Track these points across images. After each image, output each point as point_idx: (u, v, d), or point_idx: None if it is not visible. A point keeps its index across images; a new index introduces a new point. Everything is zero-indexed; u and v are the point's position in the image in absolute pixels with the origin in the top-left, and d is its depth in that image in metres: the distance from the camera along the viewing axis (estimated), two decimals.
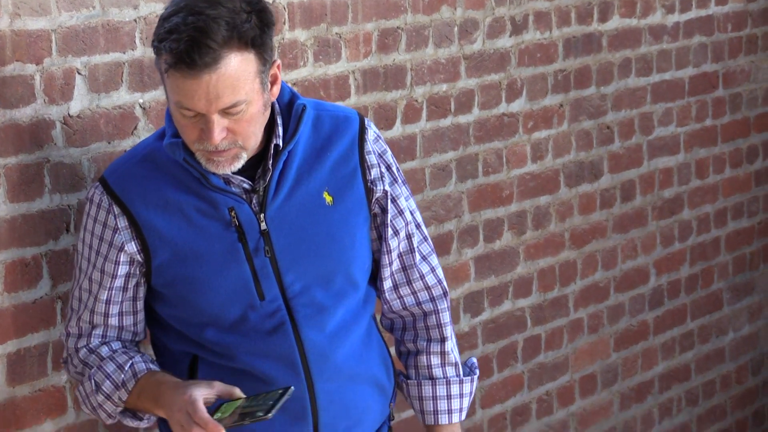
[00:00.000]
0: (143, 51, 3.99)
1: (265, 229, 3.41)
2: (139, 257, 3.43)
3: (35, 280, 3.82)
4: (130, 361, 3.45)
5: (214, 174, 3.34)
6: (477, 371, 3.79)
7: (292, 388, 3.26)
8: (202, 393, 3.25)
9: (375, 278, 3.67)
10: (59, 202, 3.87)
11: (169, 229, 3.39)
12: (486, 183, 5.28)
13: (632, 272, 6.01)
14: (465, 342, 5.19)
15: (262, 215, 3.40)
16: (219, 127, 3.23)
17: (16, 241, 3.76)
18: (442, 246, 5.09)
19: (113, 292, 3.48)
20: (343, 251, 3.50)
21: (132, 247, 3.42)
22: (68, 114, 3.85)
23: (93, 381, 3.45)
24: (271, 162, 3.39)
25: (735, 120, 6.63)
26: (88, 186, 3.84)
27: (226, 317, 3.43)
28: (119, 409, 3.46)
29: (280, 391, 3.21)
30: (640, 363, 6.06)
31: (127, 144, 4.00)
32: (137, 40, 3.99)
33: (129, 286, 3.49)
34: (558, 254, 5.63)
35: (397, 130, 4.89)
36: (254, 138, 3.33)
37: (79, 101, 3.85)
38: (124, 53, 3.97)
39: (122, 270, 3.45)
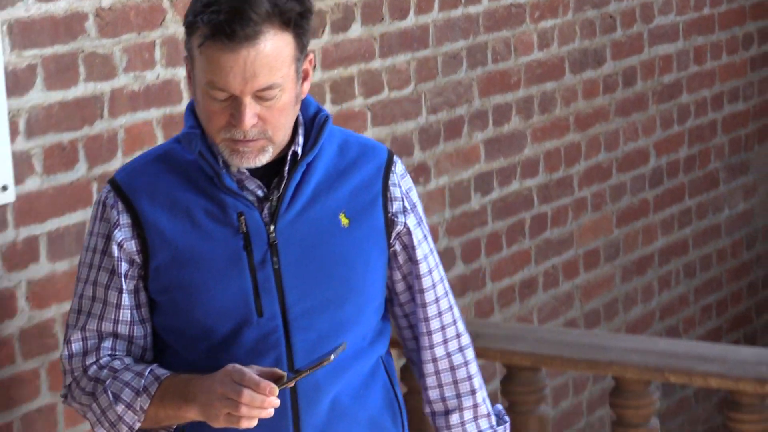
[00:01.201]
0: None
1: (274, 241, 2.95)
2: (137, 258, 2.99)
3: (72, 163, 3.85)
4: (149, 368, 2.97)
5: (228, 175, 2.94)
6: (507, 419, 3.33)
7: (345, 343, 2.93)
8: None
9: (388, 315, 3.22)
10: (93, 89, 3.89)
11: (172, 229, 2.97)
12: (495, 70, 5.28)
13: (633, 153, 6.02)
14: (476, 219, 5.22)
15: (272, 226, 2.95)
16: (251, 111, 2.85)
17: (53, 127, 3.78)
18: (454, 129, 5.11)
19: (123, 295, 3.01)
20: (354, 277, 3.03)
21: (131, 246, 2.98)
22: (100, 6, 3.86)
23: (110, 393, 2.95)
24: (287, 170, 2.97)
25: (732, 9, 6.61)
26: (119, 75, 3.84)
27: (220, 331, 2.96)
28: (141, 418, 2.93)
29: (328, 353, 2.86)
30: (640, 239, 6.08)
31: (156, 35, 4.02)
32: None
33: (132, 289, 3.03)
34: (563, 137, 5.63)
35: (411, 20, 4.89)
36: (283, 131, 2.93)
37: None
38: None
39: (123, 268, 3.00)
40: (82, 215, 3.90)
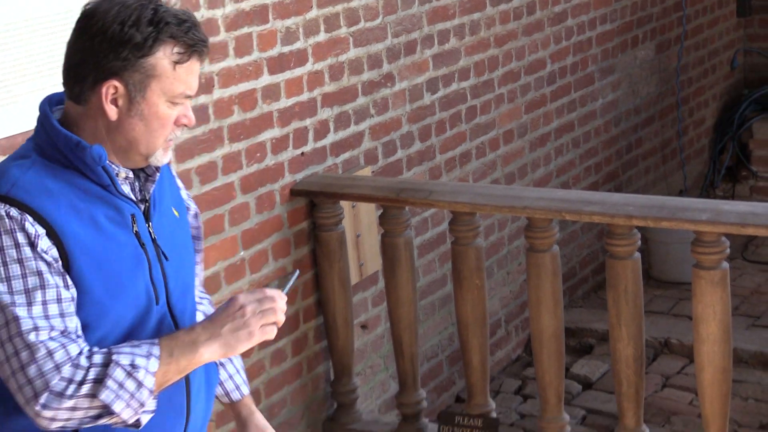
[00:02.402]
0: None
1: (154, 237, 2.37)
2: (58, 265, 2.22)
3: None
4: (138, 340, 2.29)
5: (119, 182, 2.31)
6: None
7: (297, 271, 2.56)
8: None
9: None
10: None
11: (84, 235, 2.23)
12: (438, 5, 5.19)
13: (535, 62, 5.95)
14: (428, 111, 5.16)
15: (149, 224, 2.37)
16: None
17: None
18: (410, 48, 5.03)
19: (59, 290, 2.20)
20: (191, 260, 2.55)
21: (54, 254, 2.20)
22: None
23: (120, 367, 2.18)
24: (153, 172, 2.39)
25: None
26: None
27: (129, 321, 2.31)
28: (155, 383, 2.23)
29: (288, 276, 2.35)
30: (542, 121, 6.03)
31: None
32: None
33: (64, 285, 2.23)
34: (486, 51, 5.55)
35: None
36: None
37: None
38: None
39: (55, 267, 2.21)
40: None
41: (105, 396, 2.16)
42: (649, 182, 7.13)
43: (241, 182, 4.21)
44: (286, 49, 4.36)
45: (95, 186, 2.26)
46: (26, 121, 3.31)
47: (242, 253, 4.23)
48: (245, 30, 4.16)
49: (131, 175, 2.35)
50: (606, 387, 5.46)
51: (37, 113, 2.32)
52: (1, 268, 2.14)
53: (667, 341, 5.79)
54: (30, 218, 2.16)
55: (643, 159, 7.06)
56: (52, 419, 2.15)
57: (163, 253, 2.39)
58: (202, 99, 3.99)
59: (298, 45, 4.41)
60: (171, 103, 2.26)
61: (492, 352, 5.39)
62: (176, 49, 2.22)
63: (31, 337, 2.12)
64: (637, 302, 4.09)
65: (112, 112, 2.23)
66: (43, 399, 2.13)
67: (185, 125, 2.32)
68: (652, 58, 7.07)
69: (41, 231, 2.17)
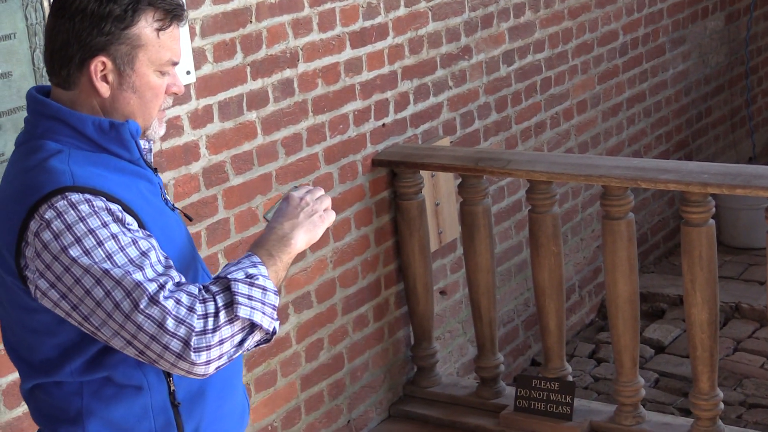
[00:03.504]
0: None
1: (173, 204, 2.33)
2: (145, 233, 2.13)
3: (232, 54, 3.77)
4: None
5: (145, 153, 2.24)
6: None
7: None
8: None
9: None
10: (245, 3, 3.81)
11: (145, 208, 2.16)
12: None
13: (608, 34, 5.88)
14: (504, 83, 5.12)
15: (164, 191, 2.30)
16: None
17: (219, 29, 3.69)
18: (487, 21, 4.99)
19: (157, 250, 2.11)
20: None
21: (136, 225, 2.12)
22: None
23: (239, 282, 2.08)
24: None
25: None
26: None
27: (191, 281, 2.21)
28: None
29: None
30: (614, 92, 5.97)
31: None
32: None
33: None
34: (561, 24, 5.50)
35: None
36: None
37: None
38: None
39: (142, 234, 2.11)
40: (240, 89, 3.83)
41: (243, 312, 2.05)
42: (718, 150, 7.04)
43: (324, 153, 4.21)
44: (368, 23, 4.35)
45: (126, 163, 2.17)
46: None
47: None
48: (328, 5, 4.15)
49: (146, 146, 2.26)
50: (678, 351, 5.41)
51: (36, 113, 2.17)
52: (99, 249, 2.02)
53: (738, 306, 5.72)
54: (104, 198, 2.07)
55: (713, 127, 6.97)
56: (207, 362, 2.03)
57: (186, 215, 2.38)
58: (288, 73, 4.00)
59: (379, 19, 4.40)
60: (160, 72, 2.17)
61: (566, 316, 5.36)
62: (156, 16, 2.14)
63: (159, 296, 2.01)
64: (712, 268, 4.04)
65: (104, 89, 2.14)
66: (193, 342, 2.01)
67: (175, 93, 2.23)
68: (721, 29, 6.97)
69: (118, 207, 2.08)
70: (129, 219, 2.09)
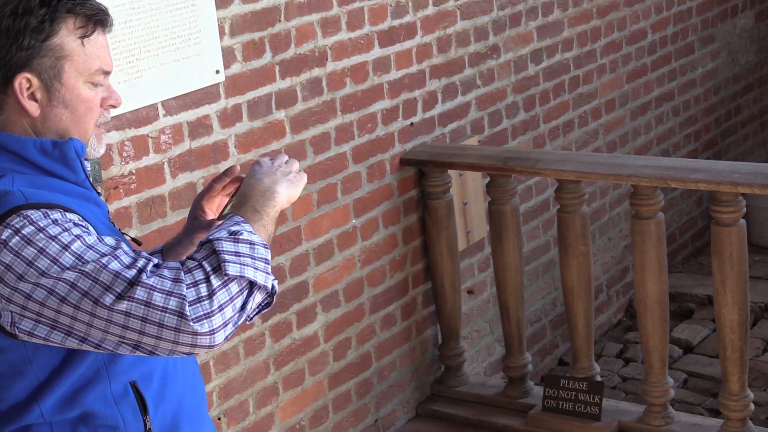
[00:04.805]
0: None
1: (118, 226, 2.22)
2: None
3: (261, 53, 3.75)
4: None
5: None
6: None
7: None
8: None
9: None
10: (274, 2, 3.78)
11: (101, 228, 2.02)
12: None
13: (637, 32, 5.84)
14: (532, 81, 5.09)
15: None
16: None
17: (248, 29, 3.67)
18: (515, 20, 4.96)
19: (121, 242, 1.96)
20: None
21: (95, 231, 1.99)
22: None
23: (222, 241, 1.94)
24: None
25: None
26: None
27: None
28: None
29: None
30: (642, 90, 5.93)
31: None
32: None
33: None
34: (589, 22, 5.45)
35: None
36: None
37: None
38: None
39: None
40: (269, 89, 3.81)
41: (232, 270, 1.89)
42: (747, 149, 6.98)
43: (353, 152, 4.19)
44: (396, 22, 4.32)
45: (72, 185, 2.03)
46: (150, 95, 3.36)
47: (354, 221, 4.22)
48: (357, 4, 4.13)
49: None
50: (707, 351, 5.36)
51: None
52: (66, 252, 1.87)
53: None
54: (61, 210, 1.92)
55: (742, 126, 6.91)
56: (211, 331, 1.87)
57: (134, 239, 2.26)
58: (316, 72, 3.98)
59: (408, 18, 4.37)
60: (91, 83, 2.03)
61: (594, 316, 5.32)
62: (78, 23, 2.00)
63: (141, 277, 1.86)
64: (742, 268, 3.99)
65: (32, 107, 2.00)
66: (189, 312, 1.85)
67: (112, 106, 2.08)
68: (751, 27, 6.91)
69: (77, 217, 1.94)
70: (88, 225, 1.95)
